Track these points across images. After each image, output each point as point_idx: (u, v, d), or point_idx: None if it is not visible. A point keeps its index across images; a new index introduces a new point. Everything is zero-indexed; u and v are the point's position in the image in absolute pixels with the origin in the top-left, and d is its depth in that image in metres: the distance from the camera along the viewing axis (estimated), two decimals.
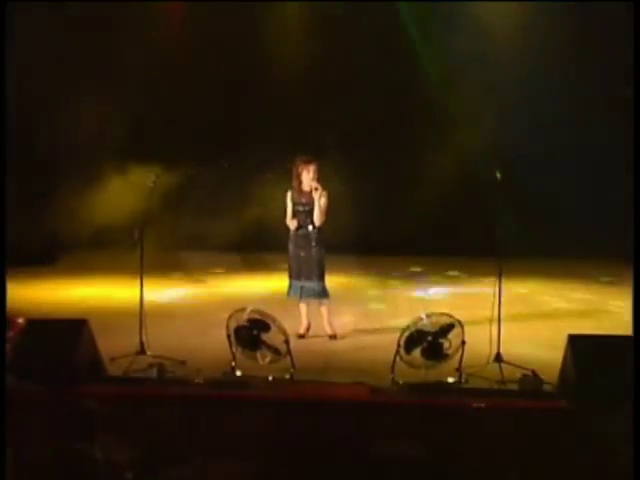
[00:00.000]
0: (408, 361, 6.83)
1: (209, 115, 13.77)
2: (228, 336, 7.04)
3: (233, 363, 7.03)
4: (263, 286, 11.19)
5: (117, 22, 13.39)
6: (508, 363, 7.16)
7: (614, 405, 5.91)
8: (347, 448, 5.74)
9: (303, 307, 8.74)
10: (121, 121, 13.20)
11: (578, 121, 13.28)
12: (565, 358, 6.67)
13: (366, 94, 13.71)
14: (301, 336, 8.59)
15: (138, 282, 7.74)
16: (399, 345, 6.79)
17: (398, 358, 6.80)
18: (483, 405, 6.22)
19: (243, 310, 7.05)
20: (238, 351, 7.05)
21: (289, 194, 8.60)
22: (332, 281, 9.04)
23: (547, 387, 6.71)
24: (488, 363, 7.15)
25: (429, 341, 6.77)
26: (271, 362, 7.00)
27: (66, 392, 6.29)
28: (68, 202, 12.24)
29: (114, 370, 7.17)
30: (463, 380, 6.82)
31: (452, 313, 6.94)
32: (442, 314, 6.90)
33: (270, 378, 6.85)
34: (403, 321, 7.29)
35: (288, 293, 8.75)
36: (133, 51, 13.23)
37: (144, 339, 7.48)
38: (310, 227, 8.55)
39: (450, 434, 5.94)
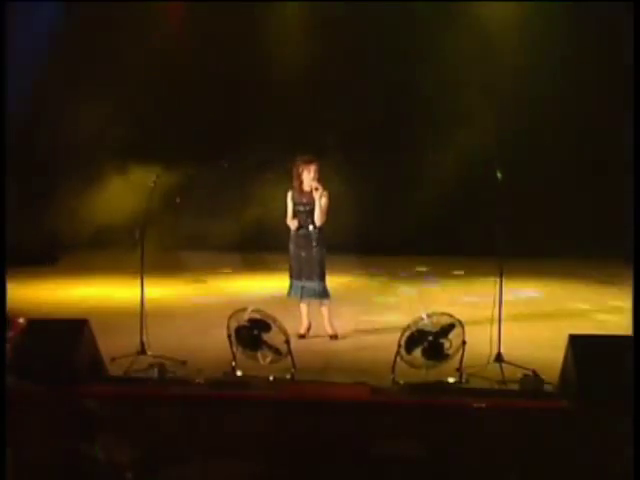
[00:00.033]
0: (409, 361, 6.82)
1: (209, 115, 13.78)
2: (229, 336, 7.03)
3: (234, 363, 7.02)
4: (263, 286, 11.19)
5: (117, 22, 13.40)
6: (509, 363, 7.14)
7: (614, 405, 5.92)
8: (347, 448, 5.74)
9: (304, 307, 8.74)
10: (121, 121, 13.20)
11: (578, 121, 13.30)
12: (566, 358, 6.66)
13: (366, 94, 13.72)
14: (302, 336, 8.58)
15: (138, 282, 7.74)
16: (400, 345, 6.78)
17: (399, 358, 6.79)
18: (484, 405, 6.21)
19: (244, 310, 7.04)
20: (239, 351, 7.04)
21: (290, 194, 8.59)
22: (333, 281, 9.04)
23: (548, 387, 6.69)
24: (489, 363, 7.14)
25: (430, 341, 6.76)
26: (272, 362, 6.99)
27: (66, 392, 6.29)
28: (68, 202, 12.25)
29: (114, 370, 7.15)
30: (464, 380, 6.81)
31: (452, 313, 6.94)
32: (443, 314, 6.88)
33: (271, 378, 6.84)
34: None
35: (289, 293, 8.74)
36: (133, 51, 13.22)
37: (144, 339, 7.46)
38: (311, 227, 8.54)
39: (450, 434, 5.93)
